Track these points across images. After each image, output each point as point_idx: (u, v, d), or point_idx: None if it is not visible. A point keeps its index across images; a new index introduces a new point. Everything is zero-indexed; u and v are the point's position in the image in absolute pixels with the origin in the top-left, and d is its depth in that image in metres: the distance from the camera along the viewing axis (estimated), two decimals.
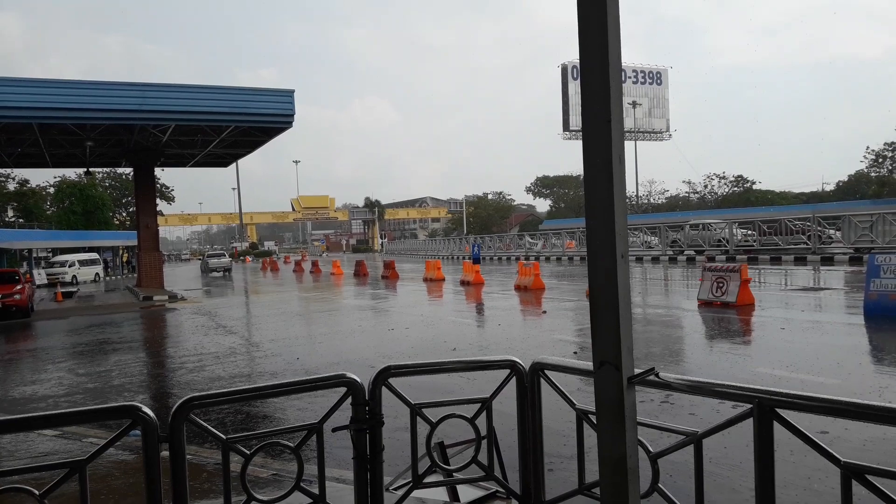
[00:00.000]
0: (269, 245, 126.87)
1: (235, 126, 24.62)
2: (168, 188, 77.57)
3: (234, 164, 43.19)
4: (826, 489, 4.29)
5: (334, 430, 3.07)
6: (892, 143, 62.33)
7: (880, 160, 65.49)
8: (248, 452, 2.94)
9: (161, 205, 67.16)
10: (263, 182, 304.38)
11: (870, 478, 2.06)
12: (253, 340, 13.42)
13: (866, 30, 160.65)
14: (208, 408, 4.82)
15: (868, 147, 67.92)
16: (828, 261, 26.55)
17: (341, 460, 4.77)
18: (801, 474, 4.52)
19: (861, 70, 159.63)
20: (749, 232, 32.99)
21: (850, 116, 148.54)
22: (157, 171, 34.07)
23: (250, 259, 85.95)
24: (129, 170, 45.96)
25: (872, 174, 67.66)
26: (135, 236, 33.87)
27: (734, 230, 33.10)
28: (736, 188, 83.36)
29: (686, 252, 33.85)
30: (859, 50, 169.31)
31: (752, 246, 31.59)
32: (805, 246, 29.49)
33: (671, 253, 35.44)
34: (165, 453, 2.72)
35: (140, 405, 2.71)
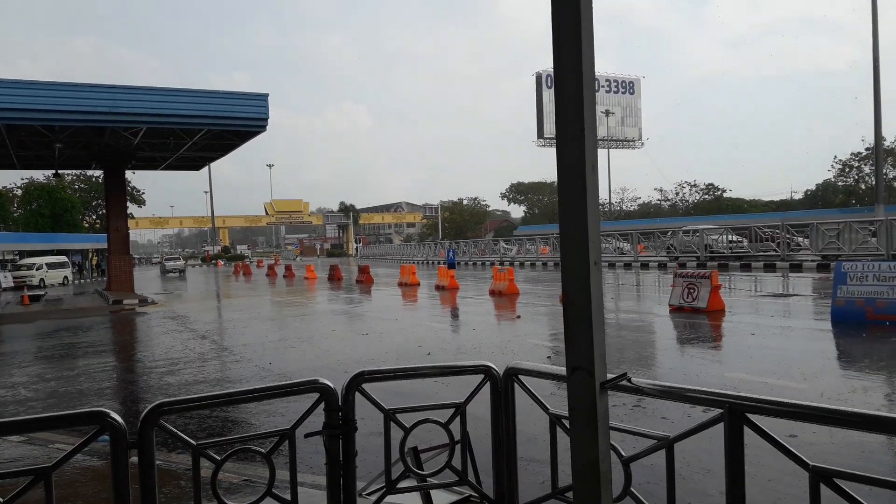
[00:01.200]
0: (241, 249, 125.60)
1: (208, 129, 24.38)
2: (139, 191, 76.42)
3: (206, 168, 42.71)
4: (795, 492, 4.36)
5: (307, 435, 3.05)
6: (859, 153, 63.69)
7: (847, 170, 66.89)
8: (218, 458, 2.91)
9: (132, 208, 66.11)
10: (237, 186, 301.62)
11: (837, 481, 2.10)
12: (225, 345, 13.27)
13: (832, 43, 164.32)
14: (179, 413, 4.76)
15: (835, 157, 69.42)
16: (796, 268, 27.03)
17: (314, 466, 4.74)
18: (771, 477, 4.59)
19: (827, 82, 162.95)
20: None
21: (817, 127, 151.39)
22: (128, 174, 33.65)
23: (222, 263, 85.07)
24: (99, 172, 45.25)
25: (839, 184, 69.08)
26: (105, 239, 33.34)
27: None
28: (707, 196, 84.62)
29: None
30: (826, 63, 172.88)
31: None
32: (774, 253, 30.01)
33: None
34: (135, 459, 2.69)
35: (108, 411, 2.67)
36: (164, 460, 5.38)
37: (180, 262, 61.16)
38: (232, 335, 14.80)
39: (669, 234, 37.67)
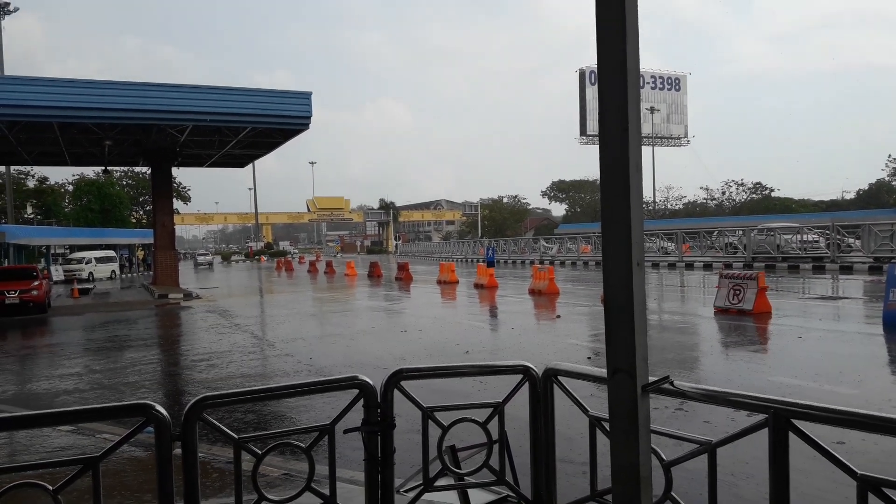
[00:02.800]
0: (284, 245, 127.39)
1: (252, 127, 24.76)
2: (185, 187, 78.11)
3: (250, 165, 43.40)
4: (842, 501, 4.24)
5: (346, 431, 3.07)
6: None
7: None
8: (259, 452, 2.95)
9: (177, 204, 67.69)
10: (279, 182, 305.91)
11: (886, 490, 2.04)
12: (266, 340, 13.48)
13: (883, 38, 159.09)
14: (221, 407, 4.84)
15: (890, 155, 67.24)
16: (847, 270, 26.26)
17: (353, 461, 4.78)
18: (817, 485, 4.47)
19: (880, 78, 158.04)
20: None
21: (870, 125, 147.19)
22: (174, 171, 34.33)
23: (265, 259, 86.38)
24: (146, 169, 46.32)
25: (894, 183, 66.88)
26: (151, 234, 34.13)
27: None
28: (754, 195, 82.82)
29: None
30: (876, 58, 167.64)
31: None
32: (824, 254, 29.18)
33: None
34: (178, 451, 2.74)
35: (153, 403, 2.72)
36: (206, 453, 5.48)
37: (209, 257, 77.36)
38: (273, 330, 15.02)
39: (715, 233, 36.66)
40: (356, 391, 3.07)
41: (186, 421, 2.77)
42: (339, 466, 3.16)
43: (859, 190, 76.07)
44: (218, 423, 2.89)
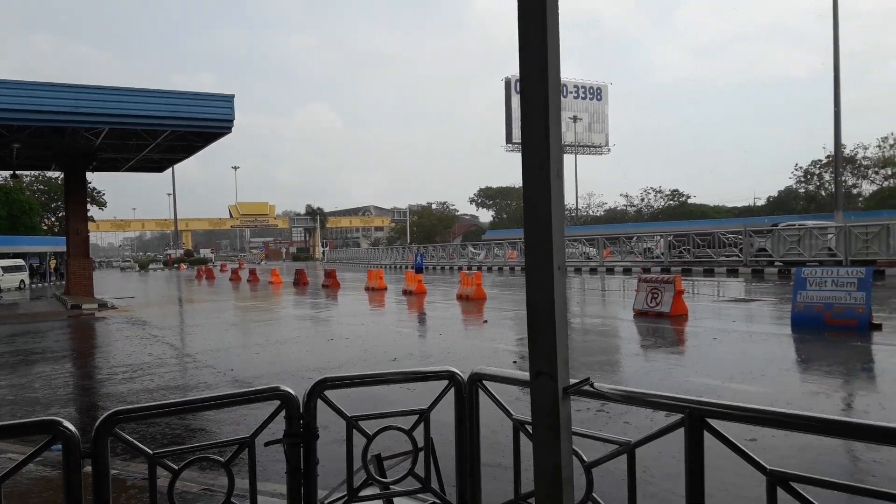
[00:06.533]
0: (205, 252, 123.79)
1: (172, 130, 23.99)
2: (100, 192, 74.86)
3: (170, 169, 42.00)
4: (754, 495, 4.40)
5: (267, 444, 3.00)
6: (819, 161, 65.28)
7: (808, 177, 68.55)
8: (176, 468, 2.84)
9: (92, 210, 64.71)
10: (201, 188, 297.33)
11: (794, 485, 2.13)
12: (186, 351, 13.05)
13: (796, 52, 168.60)
14: (137, 421, 4.65)
15: (797, 164, 71.13)
16: (758, 273, 27.56)
17: (276, 474, 4.66)
18: (731, 481, 4.65)
19: (791, 90, 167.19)
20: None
21: (780, 134, 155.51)
22: (89, 175, 32.93)
23: (185, 266, 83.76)
24: (59, 173, 44.27)
25: (801, 190, 70.76)
26: (64, 242, 32.59)
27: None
28: (672, 202, 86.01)
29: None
30: (789, 71, 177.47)
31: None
32: (737, 258, 30.54)
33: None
34: (89, 469, 2.61)
35: (61, 420, 2.58)
36: (122, 469, 5.24)
37: (129, 262, 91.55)
38: (193, 341, 14.56)
39: (634, 238, 38.06)
40: (278, 402, 3.00)
41: (97, 437, 2.63)
42: (261, 480, 3.08)
43: (769, 197, 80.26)
44: (130, 439, 2.76)
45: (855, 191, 64.13)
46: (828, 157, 60.29)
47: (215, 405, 3.35)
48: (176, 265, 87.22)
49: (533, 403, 2.31)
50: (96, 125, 22.93)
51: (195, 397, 3.52)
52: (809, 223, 29.50)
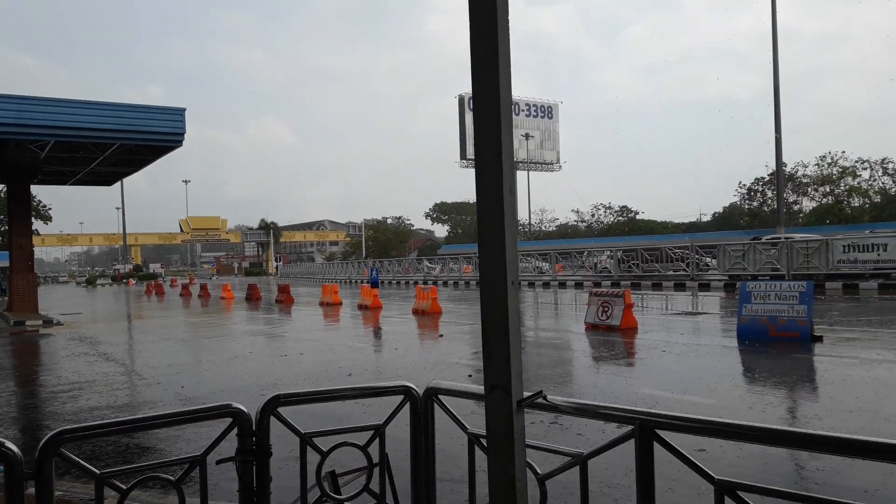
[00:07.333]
0: (154, 267, 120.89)
1: (121, 144, 23.43)
2: (46, 206, 72.43)
3: (118, 183, 41.01)
4: None
5: (218, 462, 2.95)
6: (762, 178, 67.37)
7: (752, 194, 70.63)
8: (124, 488, 2.77)
9: (37, 224, 62.57)
10: (151, 202, 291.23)
11: (741, 493, 2.19)
12: (135, 368, 12.71)
13: (739, 74, 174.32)
14: (84, 441, 4.53)
15: (740, 182, 73.31)
16: (705, 287, 28.24)
17: (228, 492, 4.59)
18: (681, 492, 4.75)
19: (733, 109, 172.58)
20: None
21: (725, 152, 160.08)
22: (34, 189, 31.92)
23: (134, 282, 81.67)
24: (1, 186, 42.78)
25: (745, 207, 72.85)
26: (6, 257, 31.45)
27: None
28: (621, 217, 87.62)
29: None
30: (732, 91, 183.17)
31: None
32: (684, 273, 31.26)
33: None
34: (33, 490, 2.53)
35: (3, 440, 2.51)
36: (68, 490, 5.07)
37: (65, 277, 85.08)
38: (142, 358, 14.19)
39: (585, 253, 38.69)
40: (230, 419, 2.96)
41: (41, 457, 2.56)
42: (213, 499, 3.03)
43: (715, 213, 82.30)
44: (76, 458, 2.69)
45: (796, 207, 66.27)
46: (770, 174, 62.29)
47: (165, 423, 3.29)
48: (125, 280, 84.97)
49: (487, 417, 2.34)
50: (41, 138, 22.25)
51: (144, 415, 3.44)
52: (797, 236, 30.20)
